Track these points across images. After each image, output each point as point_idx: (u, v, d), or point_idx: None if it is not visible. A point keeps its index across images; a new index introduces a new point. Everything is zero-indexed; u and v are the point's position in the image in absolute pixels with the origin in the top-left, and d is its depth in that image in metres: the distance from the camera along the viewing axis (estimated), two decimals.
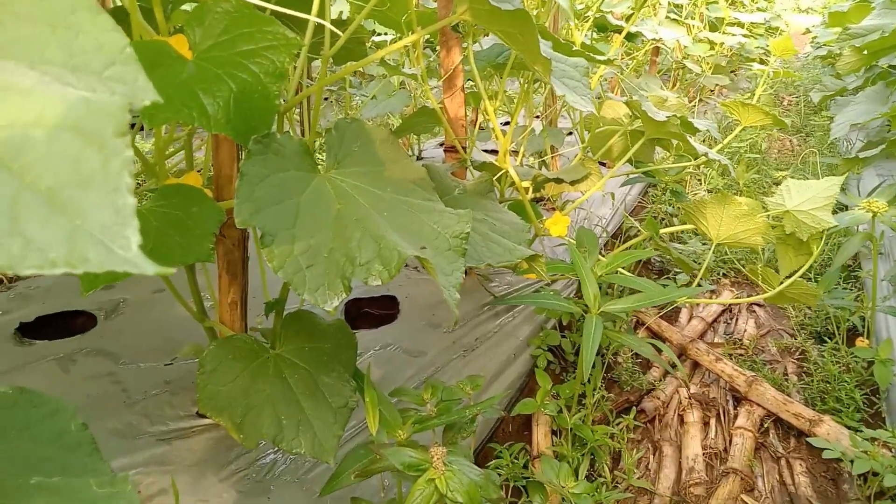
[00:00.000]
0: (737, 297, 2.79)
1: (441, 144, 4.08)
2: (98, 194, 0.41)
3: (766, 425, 1.92)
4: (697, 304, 2.58)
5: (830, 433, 1.77)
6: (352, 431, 1.42)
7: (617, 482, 1.68)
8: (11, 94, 0.42)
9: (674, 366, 2.02)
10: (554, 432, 1.78)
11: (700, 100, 5.82)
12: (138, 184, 1.66)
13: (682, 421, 1.96)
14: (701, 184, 4.06)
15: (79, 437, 0.77)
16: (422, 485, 0.97)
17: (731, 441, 1.85)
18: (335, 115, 4.61)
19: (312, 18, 0.97)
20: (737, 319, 2.63)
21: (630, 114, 2.20)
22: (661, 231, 2.21)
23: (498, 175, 2.10)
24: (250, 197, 0.90)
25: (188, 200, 1.03)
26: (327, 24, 1.28)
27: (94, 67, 0.52)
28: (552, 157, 2.91)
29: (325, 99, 5.17)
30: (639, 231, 2.66)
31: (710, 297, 2.78)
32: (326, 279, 0.90)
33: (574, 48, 1.31)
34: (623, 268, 2.03)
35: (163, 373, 1.53)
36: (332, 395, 1.13)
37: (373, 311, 2.05)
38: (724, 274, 3.02)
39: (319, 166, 1.05)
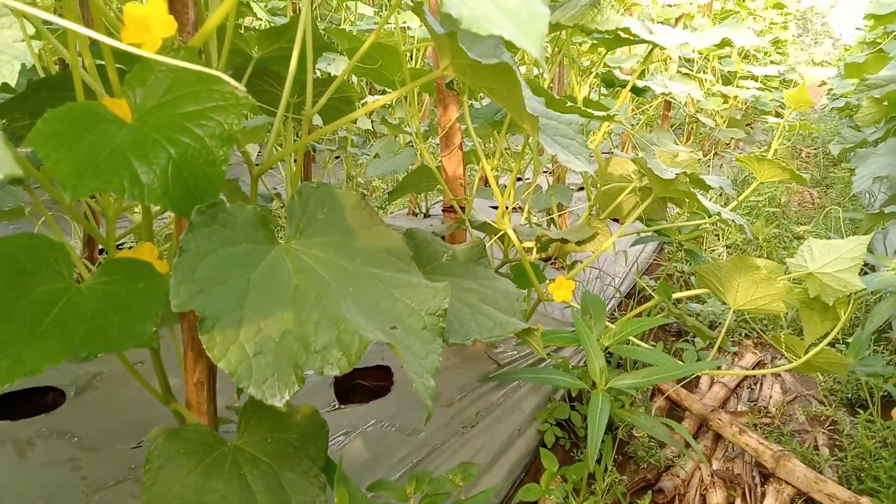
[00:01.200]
0: (760, 362, 2.63)
1: None
2: None
3: None
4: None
5: None
6: None
7: None
8: None
9: (689, 446, 1.85)
10: None
11: (715, 153, 5.73)
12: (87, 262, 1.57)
13: (704, 502, 1.78)
14: (719, 239, 3.92)
15: None
16: None
17: None
18: (344, 175, 4.55)
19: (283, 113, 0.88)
20: (761, 385, 2.46)
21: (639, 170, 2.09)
22: (677, 295, 2.07)
23: (499, 235, 1.99)
24: (190, 276, 0.79)
25: (134, 276, 0.92)
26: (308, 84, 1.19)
27: None
28: (560, 214, 2.81)
29: (337, 158, 5.13)
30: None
31: (732, 362, 2.62)
32: (277, 369, 0.78)
33: (569, 104, 1.21)
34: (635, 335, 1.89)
35: (129, 457, 1.41)
36: (297, 493, 0.99)
37: (365, 383, 1.92)
38: (745, 335, 2.86)
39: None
